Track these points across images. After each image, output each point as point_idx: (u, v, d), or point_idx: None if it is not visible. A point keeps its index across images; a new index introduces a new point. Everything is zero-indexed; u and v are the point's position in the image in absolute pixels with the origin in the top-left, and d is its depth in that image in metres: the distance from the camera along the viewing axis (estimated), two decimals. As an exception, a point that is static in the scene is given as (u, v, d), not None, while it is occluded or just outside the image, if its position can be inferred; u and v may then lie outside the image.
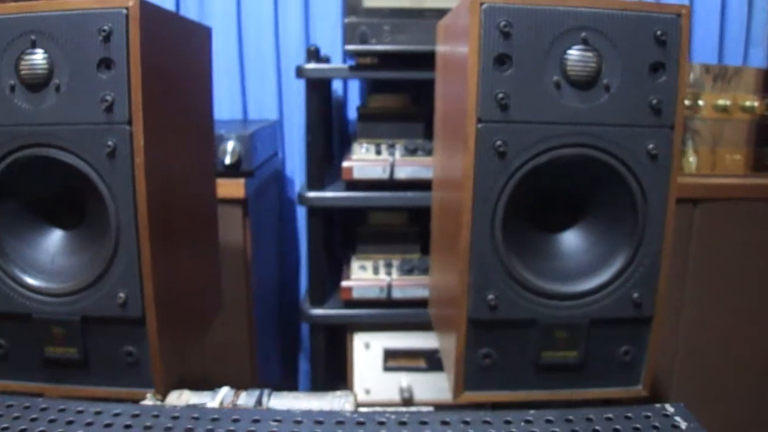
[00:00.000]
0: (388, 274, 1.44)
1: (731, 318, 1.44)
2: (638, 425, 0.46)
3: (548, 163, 0.76)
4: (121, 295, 0.80)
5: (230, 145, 1.40)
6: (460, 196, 0.77)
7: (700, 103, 1.46)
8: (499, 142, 0.75)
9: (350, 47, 1.33)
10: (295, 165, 1.89)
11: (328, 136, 1.69)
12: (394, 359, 1.49)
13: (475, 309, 0.77)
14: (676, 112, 0.76)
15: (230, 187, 1.38)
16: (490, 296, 0.77)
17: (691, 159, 1.48)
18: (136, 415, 0.46)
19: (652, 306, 0.81)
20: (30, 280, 0.82)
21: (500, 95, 0.74)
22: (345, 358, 1.51)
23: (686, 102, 1.44)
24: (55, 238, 0.86)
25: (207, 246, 1.07)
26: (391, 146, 1.41)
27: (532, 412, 0.47)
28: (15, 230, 0.84)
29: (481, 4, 0.72)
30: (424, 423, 0.45)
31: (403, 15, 1.33)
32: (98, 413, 0.46)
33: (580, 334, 0.80)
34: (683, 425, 0.47)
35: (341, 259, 1.59)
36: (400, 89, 1.55)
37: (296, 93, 1.81)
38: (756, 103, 1.45)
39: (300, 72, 1.39)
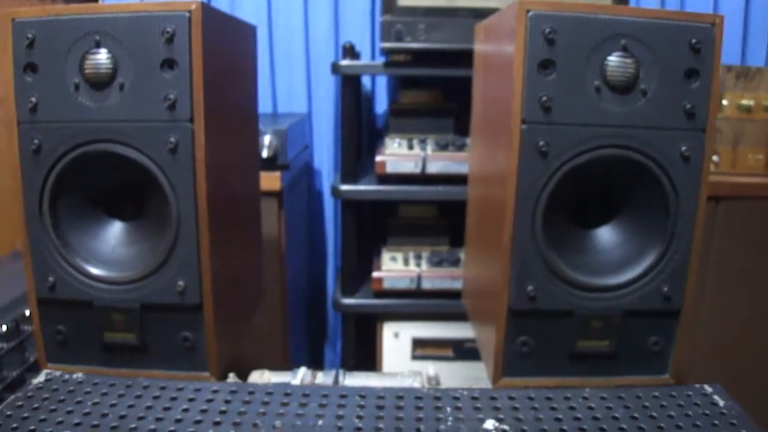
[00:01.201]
0: (418, 265, 1.49)
1: (750, 312, 1.48)
2: (680, 401, 0.50)
3: (587, 163, 0.80)
4: (181, 283, 0.85)
5: (267, 139, 1.44)
6: (502, 192, 0.81)
7: (724, 102, 1.49)
8: (542, 143, 0.79)
9: (386, 45, 1.37)
10: (323, 157, 1.94)
11: (359, 131, 1.73)
12: (422, 348, 1.54)
13: (515, 300, 0.82)
14: (709, 116, 0.79)
15: (267, 180, 1.43)
16: (530, 288, 0.81)
17: (714, 157, 1.52)
18: (233, 392, 0.51)
19: (681, 299, 0.85)
20: (92, 270, 0.87)
21: (544, 98, 0.78)
22: (374, 346, 1.56)
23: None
24: (116, 229, 0.91)
25: (252, 238, 1.12)
26: (423, 141, 1.45)
27: (587, 390, 0.51)
28: (77, 222, 0.88)
29: (528, 11, 0.76)
30: (493, 398, 0.50)
31: (438, 14, 1.37)
32: (197, 390, 0.51)
33: (613, 325, 0.84)
34: (721, 403, 0.51)
35: (372, 250, 1.64)
36: (431, 85, 1.60)
37: (325, 87, 1.86)
38: (777, 104, 1.48)
39: (335, 68, 1.43)
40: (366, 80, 1.88)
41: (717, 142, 1.50)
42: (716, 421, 0.48)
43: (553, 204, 0.81)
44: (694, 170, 0.81)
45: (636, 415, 0.49)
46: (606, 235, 0.87)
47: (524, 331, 0.84)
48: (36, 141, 0.83)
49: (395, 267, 1.49)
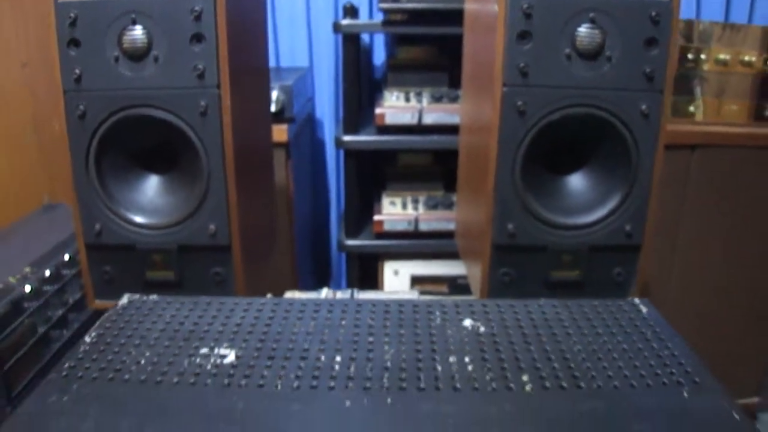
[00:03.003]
0: (415, 209, 1.63)
1: (723, 258, 1.57)
2: (613, 309, 0.65)
3: (560, 120, 0.93)
4: (212, 227, 0.99)
5: (275, 94, 1.56)
6: (486, 145, 0.95)
7: (702, 57, 1.58)
8: (520, 102, 0.92)
9: (384, 5, 1.48)
10: (325, 109, 2.05)
11: (359, 85, 1.85)
12: (420, 284, 1.69)
13: (497, 236, 0.96)
14: (666, 79, 0.92)
15: (275, 132, 1.54)
16: (510, 226, 0.96)
17: (697, 106, 1.61)
18: (276, 304, 0.65)
19: (641, 236, 0.99)
20: (133, 217, 1.01)
21: (522, 64, 0.91)
22: (376, 283, 1.71)
23: (690, 56, 1.57)
24: (152, 182, 1.04)
25: (268, 186, 1.25)
26: (419, 94, 1.58)
27: (542, 300, 0.66)
28: (119, 177, 1.01)
29: (507, -10, 0.88)
30: (471, 306, 0.65)
31: (432, -24, 1.47)
32: (249, 303, 0.65)
33: (581, 258, 0.99)
34: (644, 311, 0.66)
35: (372, 196, 1.77)
36: (426, 42, 1.71)
37: (325, 43, 1.96)
38: (754, 58, 1.57)
39: (336, 27, 1.55)
40: (365, 37, 1.98)
41: (702, 92, 1.59)
42: (637, 323, 0.63)
43: (530, 155, 0.95)
44: (652, 126, 0.94)
45: (576, 317, 0.64)
46: (576, 181, 1.00)
47: (505, 263, 0.99)
48: (81, 107, 0.96)
49: (394, 210, 1.63)
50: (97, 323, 0.65)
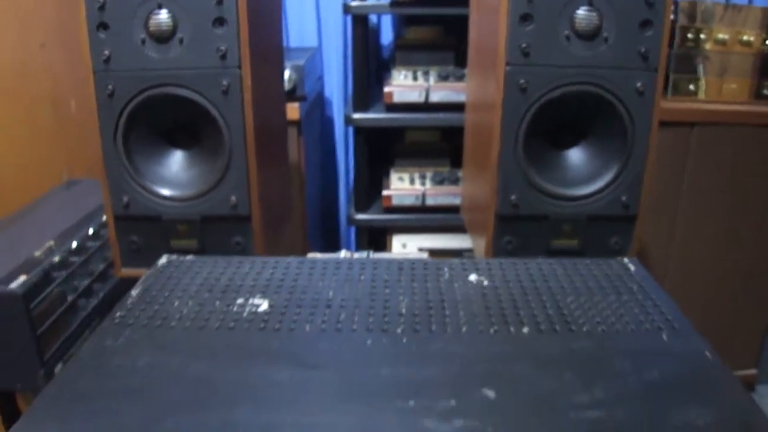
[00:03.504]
0: (423, 184, 1.69)
1: (722, 233, 1.62)
2: (604, 267, 0.72)
3: (559, 97, 0.99)
4: (233, 198, 1.06)
5: (287, 74, 1.62)
6: (491, 121, 1.01)
7: (702, 36, 1.63)
8: (522, 81, 0.98)
9: (392, -13, 1.53)
10: (333, 87, 2.11)
11: (368, 64, 1.90)
12: (427, 256, 1.76)
13: (501, 207, 1.03)
14: (660, 58, 0.98)
15: (287, 111, 1.61)
16: (513, 197, 1.02)
17: (699, 85, 1.65)
18: (301, 263, 0.72)
19: (637, 207, 1.06)
20: (159, 190, 1.07)
21: (523, 45, 0.97)
22: (385, 255, 1.79)
23: (690, 36, 1.62)
24: (177, 157, 1.10)
25: (282, 162, 1.32)
26: (426, 73, 1.64)
27: (540, 259, 0.73)
28: (145, 152, 1.08)
29: (510, -25, 0.94)
30: (477, 264, 0.72)
31: (438, -42, 1.52)
32: (277, 262, 0.71)
33: (580, 227, 1.05)
34: (632, 268, 0.73)
35: (381, 172, 1.84)
36: (433, 22, 1.76)
37: (333, 23, 2.02)
38: (753, 38, 1.62)
39: (346, 9, 1.60)
40: (372, 17, 2.03)
41: (705, 72, 1.64)
42: (625, 278, 0.70)
43: (532, 130, 1.01)
44: (647, 102, 1.00)
45: (570, 273, 0.71)
46: (575, 155, 1.07)
47: (509, 232, 1.05)
48: (110, 87, 1.02)
49: (402, 186, 1.70)
50: (140, 280, 0.72)
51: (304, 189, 1.74)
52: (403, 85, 1.62)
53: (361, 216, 1.75)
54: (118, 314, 0.64)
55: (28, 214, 1.38)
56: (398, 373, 0.53)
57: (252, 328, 0.61)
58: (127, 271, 1.16)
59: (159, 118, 1.07)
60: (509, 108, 0.99)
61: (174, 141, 1.11)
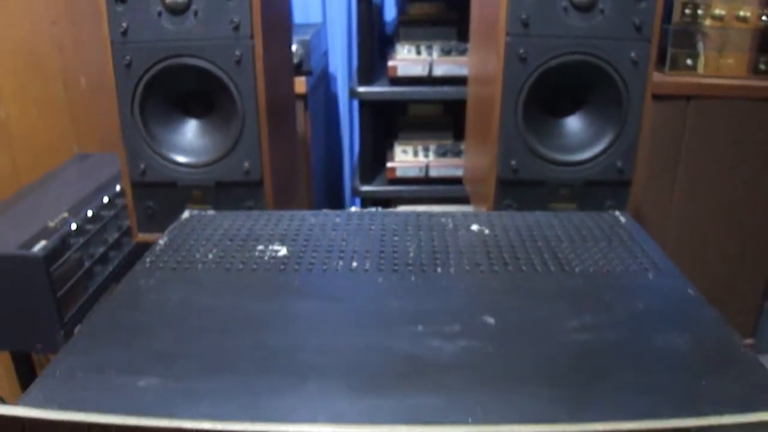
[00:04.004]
0: (426, 156, 1.74)
1: (717, 204, 1.65)
2: (596, 218, 0.77)
3: (557, 66, 1.04)
4: (246, 164, 1.11)
5: (294, 48, 1.67)
6: (492, 90, 1.06)
7: (700, 12, 1.66)
8: (522, 51, 1.03)
9: (396, -36, 1.57)
10: (338, 63, 2.15)
11: (372, 40, 1.94)
12: (429, 226, 1.81)
13: (502, 171, 1.08)
14: (653, 29, 1.03)
15: (295, 84, 1.67)
16: (513, 162, 1.08)
17: (698, 60, 1.68)
18: (315, 216, 0.78)
19: (631, 172, 1.10)
20: (175, 157, 1.12)
21: (523, 16, 1.01)
22: (389, 225, 1.84)
23: (687, 11, 1.65)
24: (191, 125, 1.15)
25: (291, 132, 1.37)
26: (429, 47, 1.68)
27: (537, 212, 0.79)
28: (161, 120, 1.13)
29: (511, -52, 0.99)
30: (478, 216, 0.78)
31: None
32: (292, 215, 0.76)
33: (577, 191, 1.10)
34: (623, 220, 0.78)
35: (385, 144, 1.89)
36: (435, -3, 1.80)
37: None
38: (749, 14, 1.65)
39: (352, -15, 1.64)
40: (375, -8, 2.07)
41: (704, 47, 1.68)
42: (616, 228, 0.75)
43: (531, 98, 1.06)
44: (641, 71, 1.05)
45: (565, 224, 0.76)
46: (573, 122, 1.11)
47: (509, 196, 1.11)
48: (127, 57, 1.07)
49: (406, 158, 1.75)
50: (165, 232, 0.77)
51: (310, 161, 1.79)
52: (407, 59, 1.67)
53: (365, 188, 1.80)
54: (148, 260, 0.69)
55: (42, 187, 1.42)
56: (407, 304, 0.59)
57: (273, 269, 0.67)
58: (143, 236, 1.21)
59: (174, 88, 1.11)
60: (509, 77, 1.04)
61: (189, 110, 1.15)
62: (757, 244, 1.71)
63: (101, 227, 1.33)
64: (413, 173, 1.74)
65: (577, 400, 0.45)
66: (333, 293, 0.61)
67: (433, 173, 1.74)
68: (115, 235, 1.38)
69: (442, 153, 1.74)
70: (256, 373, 0.49)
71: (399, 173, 1.74)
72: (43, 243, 1.12)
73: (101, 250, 1.34)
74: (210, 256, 0.70)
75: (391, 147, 1.81)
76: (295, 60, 1.66)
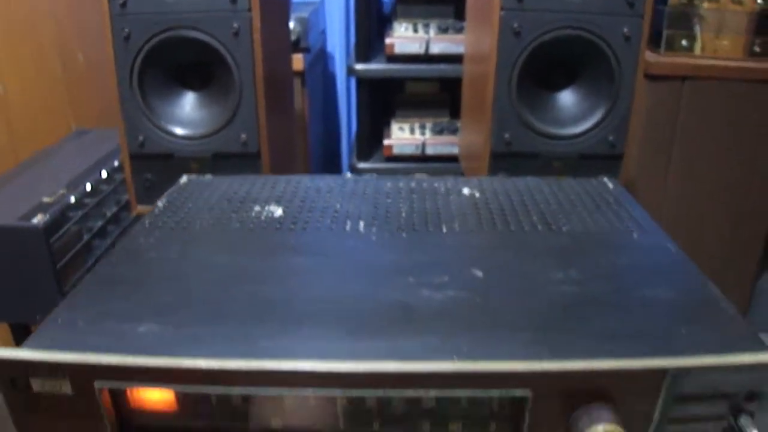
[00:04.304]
0: (423, 134, 1.76)
1: (712, 186, 1.66)
2: (585, 184, 0.80)
3: (551, 41, 1.05)
4: (243, 136, 1.12)
5: (292, 25, 1.68)
6: (487, 65, 1.08)
7: None
8: (516, 25, 1.04)
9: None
10: (335, 42, 2.16)
11: (369, 18, 1.95)
12: (425, 204, 1.83)
13: (496, 144, 1.10)
14: (645, 5, 1.04)
15: (292, 61, 1.68)
16: (507, 135, 1.09)
17: (696, 42, 1.69)
18: (311, 180, 0.79)
19: (623, 146, 1.12)
20: (173, 129, 1.14)
21: (518, -10, 1.03)
22: (385, 203, 1.85)
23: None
24: (189, 97, 1.16)
25: (288, 107, 1.38)
26: (426, 26, 1.69)
27: (528, 177, 0.81)
28: (159, 93, 1.14)
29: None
30: (470, 181, 0.80)
31: None
32: (289, 179, 0.79)
33: (570, 165, 1.12)
34: (611, 186, 0.80)
35: (382, 122, 1.90)
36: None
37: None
38: (745, -4, 1.65)
39: (349, -38, 1.65)
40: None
41: (701, 29, 1.68)
42: (603, 193, 0.77)
43: (525, 72, 1.07)
44: (633, 47, 1.06)
45: (554, 188, 0.79)
46: (566, 96, 1.13)
47: (502, 168, 1.12)
48: (126, 30, 1.08)
49: (403, 135, 1.77)
50: (164, 195, 0.79)
51: (307, 139, 1.80)
52: (404, 36, 1.68)
53: (362, 165, 1.81)
54: (147, 221, 0.71)
55: (40, 161, 1.43)
56: (399, 258, 0.61)
57: (269, 228, 0.69)
58: (141, 208, 1.23)
59: (173, 60, 1.12)
60: (504, 51, 1.06)
61: (187, 82, 1.16)
62: (751, 225, 1.72)
63: (100, 201, 1.35)
64: (410, 150, 1.76)
65: (559, 342, 0.47)
66: (327, 250, 0.63)
67: (430, 151, 1.75)
68: (114, 209, 1.39)
69: (438, 130, 1.76)
70: (252, 321, 0.52)
71: (396, 150, 1.76)
72: (42, 215, 1.13)
73: (100, 223, 1.35)
74: (208, 216, 0.71)
75: (388, 124, 1.82)
76: (293, 37, 1.67)
